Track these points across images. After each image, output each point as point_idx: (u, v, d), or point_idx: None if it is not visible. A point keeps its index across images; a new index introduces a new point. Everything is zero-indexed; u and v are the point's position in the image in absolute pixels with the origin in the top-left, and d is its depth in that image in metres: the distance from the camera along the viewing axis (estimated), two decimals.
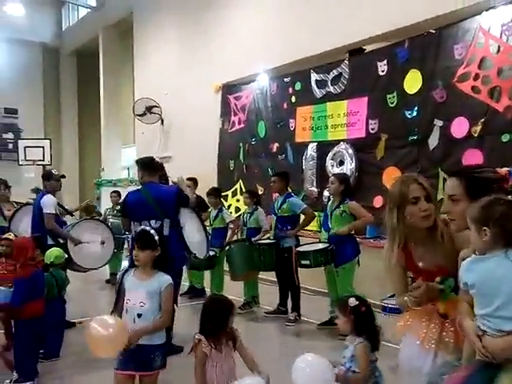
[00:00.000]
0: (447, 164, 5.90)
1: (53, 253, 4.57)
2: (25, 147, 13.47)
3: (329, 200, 5.22)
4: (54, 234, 4.89)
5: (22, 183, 11.95)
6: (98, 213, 7.48)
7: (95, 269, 5.26)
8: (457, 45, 5.77)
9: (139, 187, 4.81)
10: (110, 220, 7.09)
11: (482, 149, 5.57)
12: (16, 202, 6.73)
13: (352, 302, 2.68)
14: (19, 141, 14.01)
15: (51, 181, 5.34)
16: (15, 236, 4.55)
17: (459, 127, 5.79)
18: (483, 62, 5.52)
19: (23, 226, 5.68)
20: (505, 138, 5.36)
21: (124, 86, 14.36)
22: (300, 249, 5.09)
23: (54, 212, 5.08)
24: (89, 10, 14.70)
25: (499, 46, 5.37)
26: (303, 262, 4.82)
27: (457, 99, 5.78)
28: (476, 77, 5.58)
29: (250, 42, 8.89)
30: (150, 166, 4.66)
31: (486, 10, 5.46)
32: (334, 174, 5.64)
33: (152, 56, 12.15)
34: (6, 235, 4.47)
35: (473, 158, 5.65)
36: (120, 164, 14.69)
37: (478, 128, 5.57)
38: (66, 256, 4.80)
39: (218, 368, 2.53)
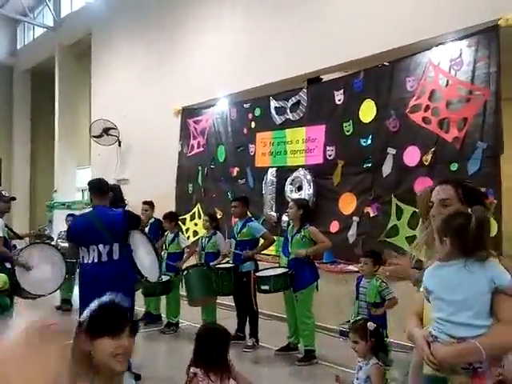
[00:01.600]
0: (400, 191, 6.13)
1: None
2: None
3: (288, 225, 5.28)
4: (2, 257, 4.68)
5: None
6: (49, 237, 7.23)
7: (44, 295, 5.04)
8: (409, 77, 6.06)
9: (86, 211, 4.72)
10: (62, 244, 6.87)
11: (432, 177, 5.81)
12: None
13: (371, 325, 2.80)
14: None
15: (1, 202, 5.13)
16: None
17: (411, 156, 6.03)
18: (433, 95, 5.82)
19: None
20: (453, 166, 5.62)
21: (80, 107, 14.11)
22: (260, 274, 5.10)
23: (1, 235, 4.88)
24: (45, 29, 14.46)
25: (448, 80, 5.68)
26: (263, 288, 4.82)
27: (409, 129, 6.04)
28: (427, 108, 5.86)
29: (211, 66, 8.99)
30: (98, 189, 4.56)
31: (436, 46, 5.78)
32: (292, 200, 5.73)
33: (110, 77, 12.04)
34: None
35: (424, 185, 5.88)
36: (74, 186, 14.32)
37: (429, 157, 5.83)
38: (10, 282, 4.60)
39: None
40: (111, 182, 10.37)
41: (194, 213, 9.39)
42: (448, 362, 1.73)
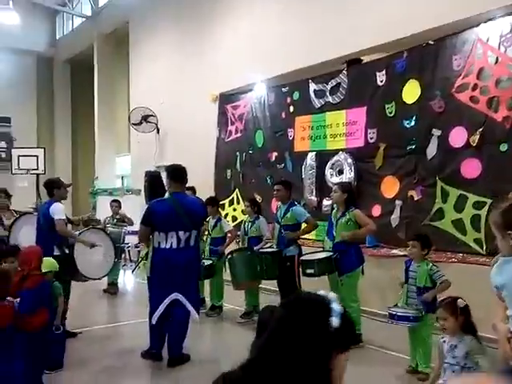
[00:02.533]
0: (445, 173, 5.97)
1: (46, 263, 4.51)
2: (18, 156, 13.38)
3: (332, 209, 5.24)
4: (64, 239, 4.86)
5: (15, 192, 11.79)
6: (98, 221, 7.44)
7: (99, 279, 5.22)
8: (455, 55, 5.86)
9: (165, 197, 4.76)
10: (110, 229, 7.06)
11: (480, 158, 5.64)
12: (15, 211, 6.67)
13: (461, 302, 2.85)
14: (12, 150, 13.90)
15: (60, 189, 5.31)
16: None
17: (457, 137, 5.86)
18: (481, 73, 5.61)
19: (23, 235, 5.63)
20: (503, 147, 5.43)
21: (119, 95, 14.34)
22: (304, 257, 5.10)
23: (64, 218, 5.06)
24: (83, 19, 14.70)
25: (497, 57, 5.46)
26: (308, 271, 4.82)
27: (455, 109, 5.85)
28: (474, 87, 5.66)
29: (248, 51, 8.95)
30: (177, 175, 4.64)
31: (485, 22, 5.56)
32: (336, 183, 5.68)
33: (148, 65, 12.17)
34: None
35: (471, 167, 5.73)
36: (114, 173, 14.63)
37: (476, 138, 5.64)
38: (67, 266, 4.77)
39: None
40: (151, 168, 10.61)
41: (233, 198, 9.44)
42: None
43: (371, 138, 6.86)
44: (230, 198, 9.44)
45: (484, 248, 5.53)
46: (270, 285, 6.43)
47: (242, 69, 8.95)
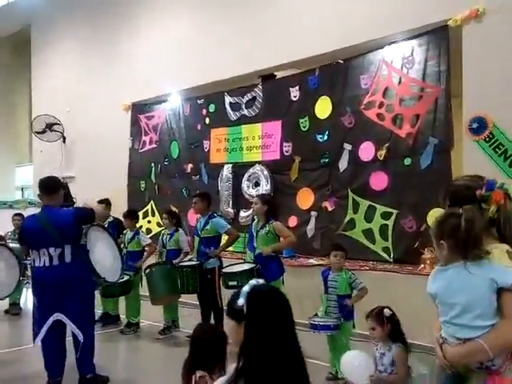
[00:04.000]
0: (356, 185, 6.33)
1: None
2: None
3: (253, 220, 5.30)
4: None
5: None
6: (2, 237, 6.85)
7: (1, 299, 4.78)
8: (363, 75, 6.25)
9: (35, 212, 4.49)
10: (11, 245, 6.52)
11: (386, 171, 6.05)
12: None
13: (387, 312, 2.98)
14: None
15: None
16: None
17: (366, 151, 6.23)
18: (387, 92, 6.04)
19: None
20: (407, 161, 5.87)
21: (19, 102, 13.43)
22: (227, 270, 5.09)
23: None
24: None
25: (400, 78, 5.92)
26: (230, 284, 4.81)
27: (364, 125, 6.24)
28: (381, 105, 6.08)
29: (160, 62, 8.82)
30: (47, 187, 4.31)
31: (389, 44, 6.00)
32: (257, 195, 5.75)
33: (52, 71, 11.52)
34: None
35: (379, 180, 6.12)
36: (13, 184, 13.62)
37: (383, 152, 6.05)
38: None
39: None
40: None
41: (147, 210, 9.22)
42: (458, 362, 1.77)
43: (286, 151, 7.07)
44: (145, 209, 9.20)
45: (391, 256, 5.92)
46: (188, 298, 6.34)
47: (156, 79, 8.79)
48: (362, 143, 6.25)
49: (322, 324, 3.96)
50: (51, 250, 4.08)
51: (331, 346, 4.21)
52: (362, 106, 6.23)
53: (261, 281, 1.63)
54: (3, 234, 7.31)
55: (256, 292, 1.55)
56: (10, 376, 4.76)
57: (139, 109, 9.42)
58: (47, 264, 4.10)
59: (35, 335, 4.17)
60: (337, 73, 6.58)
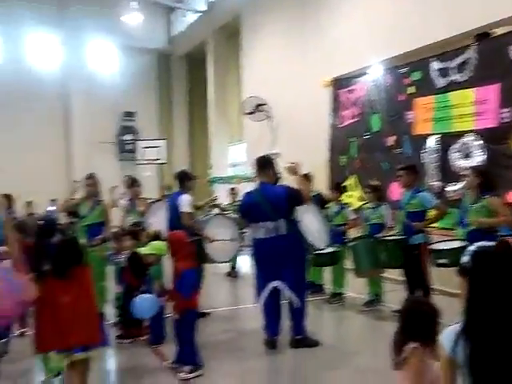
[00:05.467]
0: None
1: (154, 246, 4.84)
2: (142, 147, 14.43)
3: (465, 195, 4.91)
4: (191, 230, 5.12)
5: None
6: (223, 208, 7.77)
7: (225, 262, 5.47)
8: None
9: (253, 188, 4.88)
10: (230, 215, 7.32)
11: None
12: (145, 198, 7.17)
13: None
14: (137, 142, 15.01)
15: (190, 180, 5.63)
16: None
17: None
18: None
19: (155, 221, 6.04)
20: None
21: (231, 86, 14.77)
22: (435, 246, 4.85)
23: (189, 211, 5.35)
24: (198, 14, 15.29)
25: None
26: (440, 262, 4.57)
27: None
28: None
29: (361, 33, 8.68)
30: (262, 165, 4.72)
31: None
32: (471, 167, 5.31)
33: (259, 54, 12.36)
34: None
35: None
36: (227, 161, 15.15)
37: None
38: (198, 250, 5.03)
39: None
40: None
41: (348, 185, 9.29)
42: None
43: (505, 118, 6.30)
44: (345, 184, 9.30)
45: None
46: (392, 274, 6.24)
47: (356, 52, 8.70)
48: None
49: None
50: (268, 223, 4.49)
51: None
52: None
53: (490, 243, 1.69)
54: (222, 206, 8.21)
55: (482, 251, 1.59)
56: (232, 330, 5.43)
57: (339, 84, 9.47)
58: (265, 236, 4.51)
59: (256, 299, 4.67)
60: None
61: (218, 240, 5.40)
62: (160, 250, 4.65)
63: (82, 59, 15.05)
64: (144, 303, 3.97)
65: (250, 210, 4.67)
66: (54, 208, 13.01)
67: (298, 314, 4.63)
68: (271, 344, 4.63)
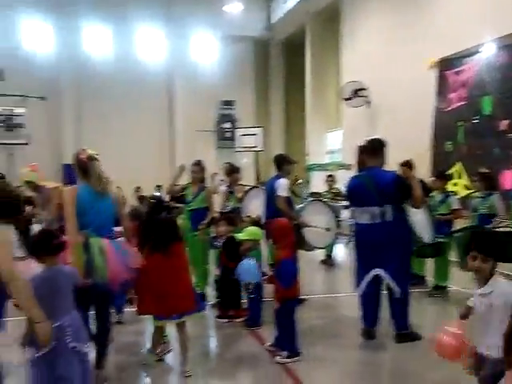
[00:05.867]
0: None
1: (249, 231, 4.94)
2: (240, 135, 14.75)
3: None
4: (285, 215, 5.14)
5: None
6: (319, 195, 7.73)
7: (321, 248, 5.43)
8: None
9: (360, 173, 4.73)
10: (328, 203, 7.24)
11: None
12: (242, 185, 7.34)
13: None
14: (236, 130, 15.37)
15: (288, 164, 5.63)
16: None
17: None
18: None
19: (253, 207, 6.16)
20: None
21: (329, 72, 14.54)
22: None
23: (286, 195, 5.36)
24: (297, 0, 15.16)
25: None
26: None
27: None
28: None
29: (474, 9, 8.06)
30: (371, 149, 4.53)
31: None
32: None
33: (360, 38, 12.00)
34: None
35: None
36: (324, 148, 14.98)
37: None
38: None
39: None
40: (362, 143, 10.50)
41: (453, 173, 8.75)
42: None
43: None
44: (450, 171, 8.77)
45: None
46: (506, 268, 5.78)
47: (467, 30, 8.12)
48: None
49: None
50: (373, 208, 4.34)
51: None
52: None
53: None
54: (320, 193, 8.14)
55: None
56: (328, 318, 5.39)
57: (446, 64, 8.91)
58: (370, 221, 4.38)
59: (356, 287, 4.56)
60: None
61: (313, 226, 5.35)
62: (255, 235, 4.92)
63: (185, 51, 15.69)
64: (248, 267, 4.37)
65: (355, 194, 4.54)
66: (160, 194, 13.87)
67: (399, 306, 4.45)
68: (368, 334, 4.52)
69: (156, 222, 3.73)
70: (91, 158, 3.48)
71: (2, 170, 14.20)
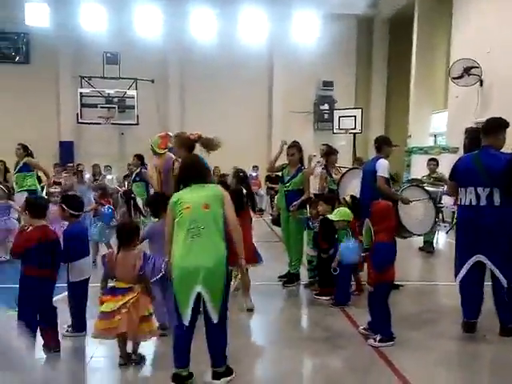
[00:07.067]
0: None
1: (340, 212, 5.11)
2: (339, 117, 14.49)
3: None
4: (386, 195, 5.03)
5: None
6: (420, 181, 7.42)
7: (420, 235, 5.25)
8: None
9: (473, 152, 4.47)
10: (427, 188, 6.94)
11: None
12: (339, 167, 7.26)
13: None
14: (334, 111, 15.13)
15: (388, 146, 5.55)
16: None
17: None
18: None
19: (350, 188, 6.10)
20: None
21: (438, 50, 13.72)
22: None
23: (386, 176, 5.26)
24: None
25: None
26: None
27: None
28: None
29: None
30: (492, 127, 4.27)
31: None
32: None
33: (472, 14, 11.14)
34: None
35: None
36: (428, 131, 14.24)
37: None
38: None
39: None
40: (470, 125, 9.83)
41: None
42: None
43: None
44: None
45: None
46: None
47: None
48: None
49: None
50: (479, 189, 4.12)
51: None
52: None
53: None
54: (420, 179, 7.81)
55: None
56: (425, 305, 5.23)
57: None
58: (473, 203, 4.16)
59: (456, 273, 4.35)
60: None
61: (416, 200, 5.22)
62: (347, 216, 5.09)
63: (287, 31, 15.64)
64: (352, 249, 4.91)
65: (462, 172, 4.31)
66: (255, 174, 14.18)
67: (505, 297, 4.17)
68: (468, 327, 4.29)
69: (230, 191, 4.08)
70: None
71: (114, 148, 15.57)
